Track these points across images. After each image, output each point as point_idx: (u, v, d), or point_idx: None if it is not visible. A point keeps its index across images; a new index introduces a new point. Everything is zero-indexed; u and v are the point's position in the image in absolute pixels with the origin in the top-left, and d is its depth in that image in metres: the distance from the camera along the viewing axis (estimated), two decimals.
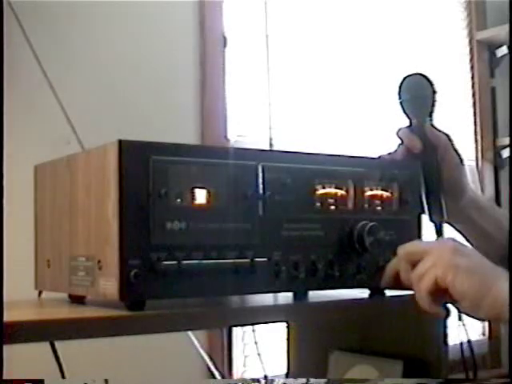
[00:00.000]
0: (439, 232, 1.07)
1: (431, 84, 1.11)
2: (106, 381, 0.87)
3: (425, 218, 1.05)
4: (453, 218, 1.11)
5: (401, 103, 1.12)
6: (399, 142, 1.10)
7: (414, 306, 0.84)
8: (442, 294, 0.83)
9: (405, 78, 1.12)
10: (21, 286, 0.96)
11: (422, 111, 1.11)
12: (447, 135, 1.11)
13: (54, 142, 1.60)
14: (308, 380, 0.83)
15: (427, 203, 1.06)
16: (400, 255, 0.89)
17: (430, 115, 1.11)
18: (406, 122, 1.11)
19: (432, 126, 1.10)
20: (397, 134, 1.11)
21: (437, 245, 0.88)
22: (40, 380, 0.77)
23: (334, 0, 2.37)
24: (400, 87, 1.12)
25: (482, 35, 2.79)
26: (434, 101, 1.11)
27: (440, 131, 1.10)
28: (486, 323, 2.80)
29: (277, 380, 1.00)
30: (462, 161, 1.11)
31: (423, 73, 1.12)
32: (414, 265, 0.86)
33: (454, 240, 0.87)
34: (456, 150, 1.11)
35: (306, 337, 1.22)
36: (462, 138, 2.69)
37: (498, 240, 1.11)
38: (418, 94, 1.11)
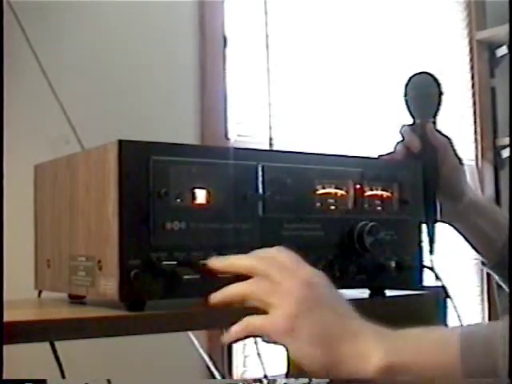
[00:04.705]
0: (431, 233, 1.07)
1: (438, 85, 1.09)
2: (109, 381, 0.87)
3: None
4: (453, 219, 1.11)
5: (406, 101, 1.11)
6: (400, 139, 1.10)
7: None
8: None
9: (413, 76, 1.11)
10: (21, 286, 0.96)
11: (426, 111, 1.10)
12: (448, 138, 1.10)
13: (54, 142, 1.59)
14: (310, 380, 0.83)
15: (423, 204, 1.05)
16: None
17: (434, 116, 1.10)
18: (410, 122, 1.11)
19: (434, 127, 1.10)
20: (399, 131, 1.10)
21: (286, 285, 0.70)
22: (42, 380, 0.77)
23: (333, 0, 2.37)
24: (407, 84, 1.11)
25: (481, 35, 2.79)
26: (439, 102, 1.09)
27: (442, 134, 1.10)
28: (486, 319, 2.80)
29: (278, 380, 0.99)
30: (461, 164, 1.11)
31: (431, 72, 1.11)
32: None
33: (306, 282, 0.69)
34: (456, 154, 1.10)
35: None
36: (462, 137, 2.69)
37: (498, 242, 1.11)
38: (423, 93, 1.10)
